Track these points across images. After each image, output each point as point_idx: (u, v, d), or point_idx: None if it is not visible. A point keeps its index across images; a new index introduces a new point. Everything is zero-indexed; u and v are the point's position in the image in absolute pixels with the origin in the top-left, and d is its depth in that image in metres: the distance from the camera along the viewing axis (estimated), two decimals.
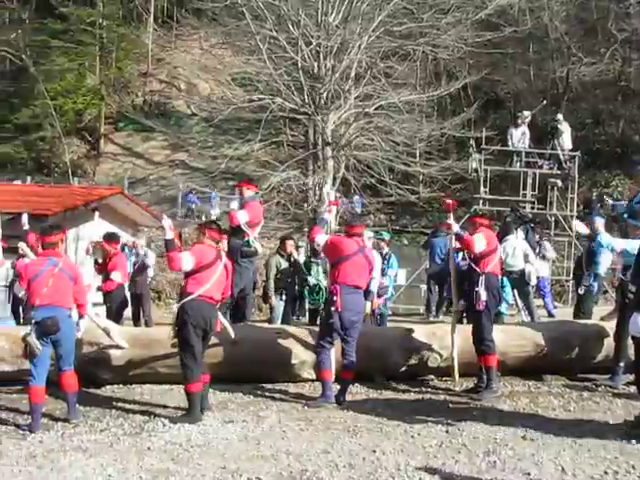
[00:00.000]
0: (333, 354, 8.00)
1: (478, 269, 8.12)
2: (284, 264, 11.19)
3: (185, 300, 7.13)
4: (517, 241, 11.99)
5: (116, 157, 31.77)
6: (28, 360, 7.21)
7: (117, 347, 8.37)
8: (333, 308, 7.67)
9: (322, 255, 9.55)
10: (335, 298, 7.68)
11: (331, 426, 7.02)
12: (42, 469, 5.93)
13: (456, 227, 8.51)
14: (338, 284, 7.76)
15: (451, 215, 8.48)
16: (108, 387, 8.57)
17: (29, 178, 27.60)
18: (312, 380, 8.71)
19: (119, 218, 16.83)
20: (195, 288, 7.11)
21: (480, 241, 8.14)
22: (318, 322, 9.50)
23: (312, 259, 11.37)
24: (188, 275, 7.20)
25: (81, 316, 7.57)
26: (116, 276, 10.84)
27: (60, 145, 31.00)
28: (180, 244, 8.16)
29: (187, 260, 7.10)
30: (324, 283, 10.28)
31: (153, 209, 23.00)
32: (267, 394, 8.32)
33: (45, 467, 5.98)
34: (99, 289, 11.11)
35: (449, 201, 8.68)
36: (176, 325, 7.22)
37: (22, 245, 8.99)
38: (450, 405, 7.97)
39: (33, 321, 7.04)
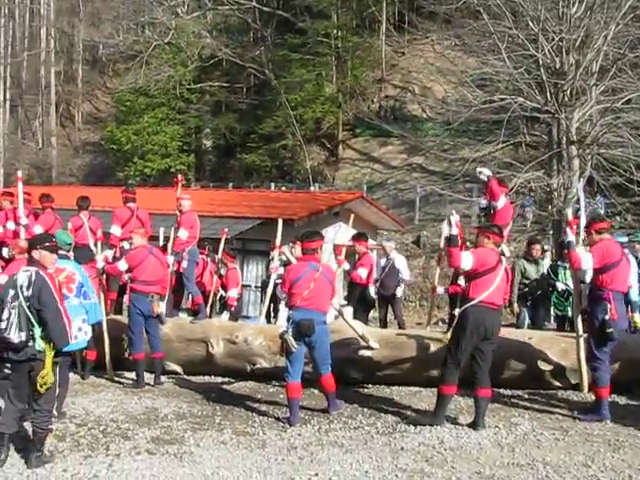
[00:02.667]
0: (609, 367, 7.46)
1: None
2: (529, 268, 10.82)
3: (467, 305, 7.00)
4: None
5: (354, 162, 32.56)
6: (285, 357, 7.57)
7: (369, 348, 8.57)
8: (607, 317, 7.19)
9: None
10: (609, 306, 7.21)
11: (590, 438, 6.69)
12: (302, 460, 6.23)
13: None
14: (610, 291, 7.28)
15: None
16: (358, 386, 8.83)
17: (273, 185, 29.16)
18: (563, 388, 8.37)
19: (360, 222, 17.23)
20: (477, 293, 6.95)
21: None
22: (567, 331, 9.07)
23: (559, 262, 10.91)
24: (470, 279, 7.08)
25: None
26: (362, 272, 11.14)
27: (301, 152, 32.40)
28: (463, 242, 8.09)
29: (467, 259, 6.94)
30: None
31: (391, 213, 23.30)
32: (517, 400, 8.11)
33: (305, 458, 6.27)
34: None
35: None
36: (455, 328, 7.18)
37: (285, 249, 9.45)
38: None
39: (291, 320, 7.37)
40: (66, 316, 5.99)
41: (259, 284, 15.78)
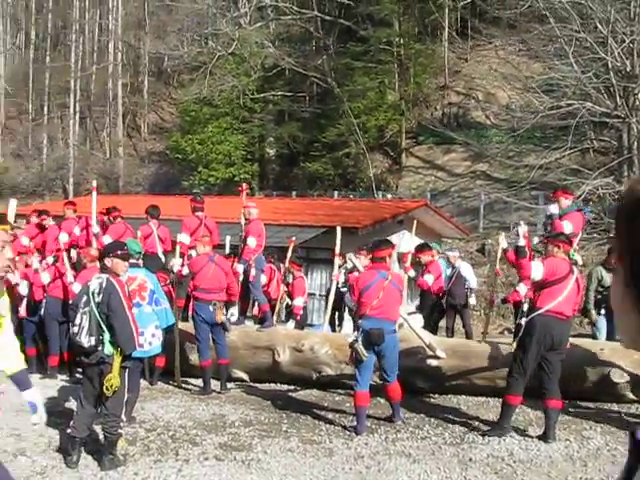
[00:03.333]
0: None
1: None
2: (606, 277, 10.55)
3: (534, 314, 6.95)
4: None
5: (417, 170, 32.35)
6: (353, 366, 7.57)
7: (436, 357, 8.51)
8: None
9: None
10: None
11: None
12: (370, 469, 6.22)
13: None
14: None
15: None
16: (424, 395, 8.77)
17: (336, 193, 29.18)
18: (638, 401, 8.15)
19: (423, 230, 17.11)
20: (545, 303, 6.90)
21: None
22: None
23: None
24: (539, 288, 7.02)
25: None
26: (429, 279, 11.10)
27: (364, 160, 32.34)
28: (530, 253, 8.00)
29: (538, 269, 6.89)
30: None
31: (455, 220, 23.06)
32: (588, 412, 7.94)
33: (372, 468, 6.25)
34: None
35: None
36: (521, 338, 7.10)
37: (350, 256, 9.46)
38: None
39: (361, 329, 7.36)
40: (134, 323, 6.11)
41: (323, 292, 15.81)
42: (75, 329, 5.94)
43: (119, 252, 6.27)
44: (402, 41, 34.58)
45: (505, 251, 8.55)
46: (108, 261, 6.18)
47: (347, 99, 32.23)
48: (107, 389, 5.98)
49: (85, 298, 5.99)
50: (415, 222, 12.30)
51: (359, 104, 32.44)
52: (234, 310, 10.05)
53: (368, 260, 11.67)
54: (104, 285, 5.97)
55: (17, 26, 56.47)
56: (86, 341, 5.92)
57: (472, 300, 12.33)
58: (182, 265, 9.73)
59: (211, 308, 9.08)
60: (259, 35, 36.48)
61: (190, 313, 9.52)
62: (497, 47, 33.36)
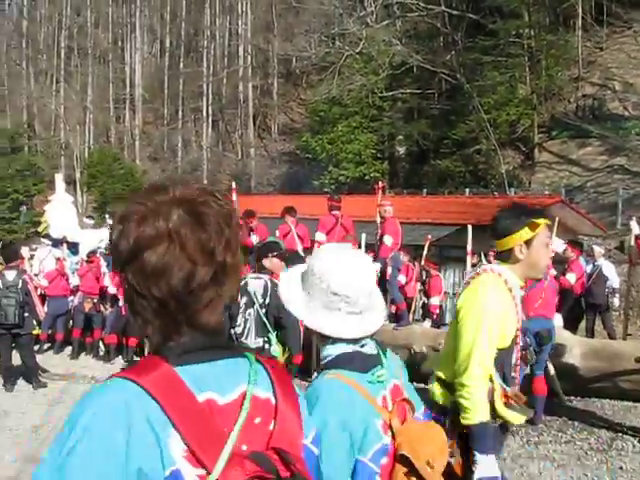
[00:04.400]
0: None
1: None
2: None
3: None
4: None
5: (550, 165, 31.36)
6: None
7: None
8: None
9: None
10: None
11: None
12: (513, 472, 6.11)
13: None
14: None
15: None
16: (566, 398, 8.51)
17: (467, 190, 28.75)
18: None
19: (559, 227, 16.50)
20: None
21: None
22: None
23: None
24: None
25: None
26: (571, 277, 10.78)
27: (495, 157, 31.68)
28: None
29: None
30: None
31: (592, 217, 22.23)
32: None
33: (515, 470, 6.15)
34: None
35: None
36: None
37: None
38: None
39: (527, 331, 7.31)
40: (300, 323, 6.23)
41: (456, 291, 15.65)
42: (239, 329, 6.03)
43: (277, 252, 6.35)
44: (532, 32, 33.67)
45: (637, 238, 8.26)
46: (267, 261, 6.23)
47: (477, 94, 31.68)
48: None
49: (246, 299, 6.04)
50: (557, 219, 11.92)
51: (489, 99, 31.83)
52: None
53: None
54: (269, 286, 6.03)
55: (153, 36, 58.99)
56: (253, 343, 5.99)
57: (616, 301, 11.83)
58: None
59: None
60: (386, 33, 36.47)
61: None
62: (636, 33, 31.88)
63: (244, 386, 1.32)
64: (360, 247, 10.84)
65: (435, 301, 11.76)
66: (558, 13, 34.88)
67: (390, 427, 1.94)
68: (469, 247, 10.87)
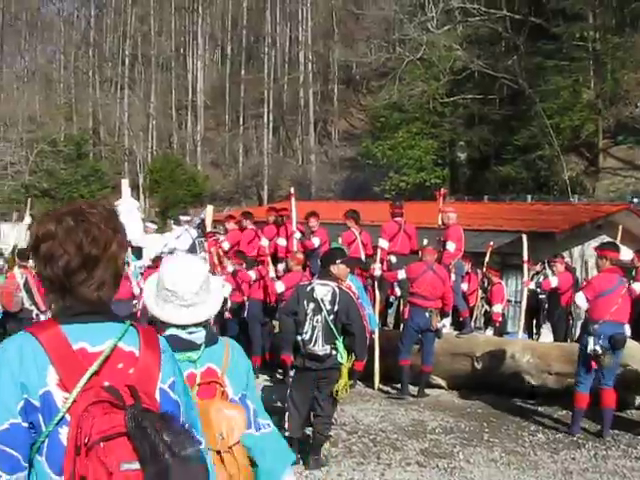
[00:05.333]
0: None
1: None
2: None
3: None
4: None
5: (616, 172, 30.72)
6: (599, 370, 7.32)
7: None
8: None
9: None
10: None
11: None
12: None
13: None
14: None
15: None
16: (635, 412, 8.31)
17: (529, 197, 28.32)
18: None
19: (624, 236, 16.17)
20: None
21: None
22: None
23: None
24: None
25: None
26: (637, 287, 10.51)
27: (558, 163, 31.13)
28: None
29: None
30: None
31: None
32: None
33: None
34: None
35: None
36: None
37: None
38: None
39: (602, 335, 7.21)
40: (367, 330, 6.25)
41: (518, 299, 15.43)
42: (306, 337, 6.05)
43: (344, 259, 6.38)
44: (597, 35, 33.04)
45: None
46: (334, 268, 6.24)
47: (539, 100, 31.22)
48: (338, 392, 6.14)
49: (313, 305, 6.07)
50: (620, 227, 11.66)
51: (552, 104, 31.31)
52: (446, 321, 10.05)
53: (564, 267, 11.38)
54: (338, 294, 6.05)
55: (214, 43, 59.78)
56: (321, 350, 6.05)
57: None
58: (381, 270, 9.93)
59: (427, 314, 9.18)
60: (447, 38, 36.24)
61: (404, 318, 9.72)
62: None
63: (113, 340, 1.74)
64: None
65: (497, 309, 11.63)
66: (625, 14, 34.16)
67: None
68: (525, 256, 10.74)
